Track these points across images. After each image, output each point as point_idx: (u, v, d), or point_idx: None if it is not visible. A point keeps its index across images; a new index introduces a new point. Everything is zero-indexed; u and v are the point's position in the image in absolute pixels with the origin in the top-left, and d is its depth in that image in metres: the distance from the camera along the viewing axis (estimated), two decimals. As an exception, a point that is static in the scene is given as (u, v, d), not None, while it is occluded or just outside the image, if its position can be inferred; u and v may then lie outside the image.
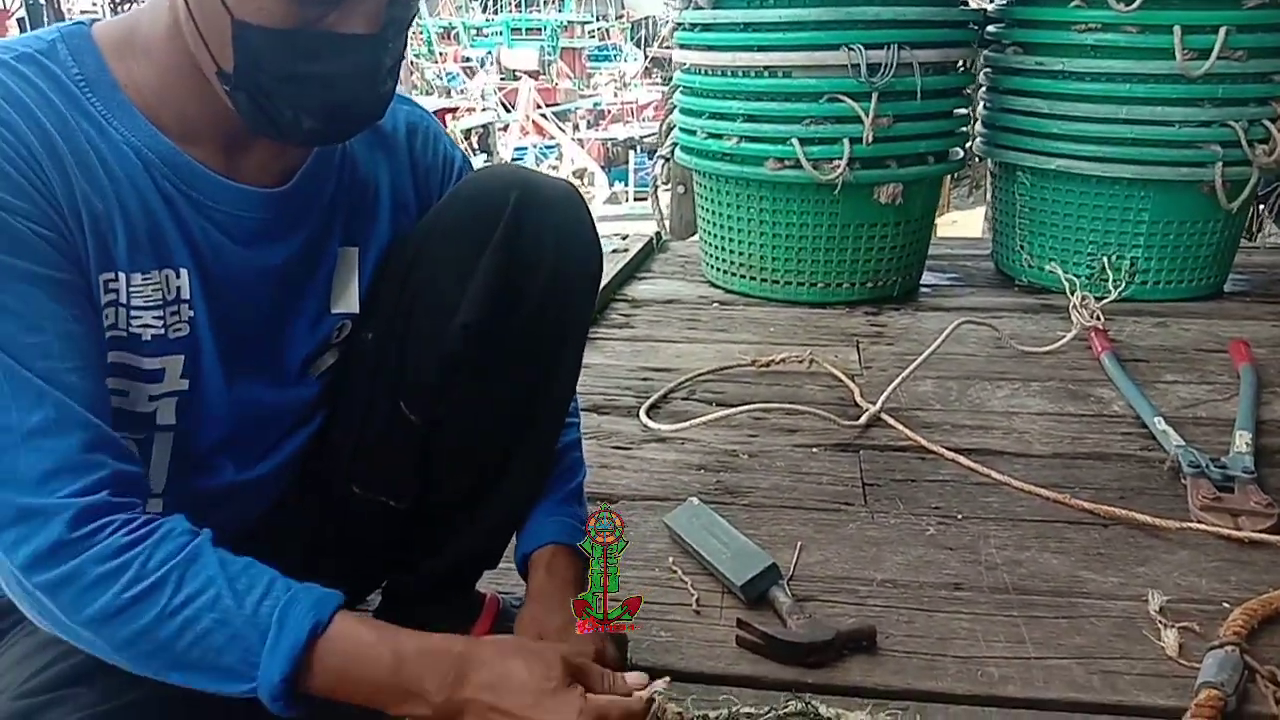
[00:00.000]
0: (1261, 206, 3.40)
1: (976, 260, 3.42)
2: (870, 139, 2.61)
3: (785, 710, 1.16)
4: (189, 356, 0.93)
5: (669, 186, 3.71)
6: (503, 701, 0.86)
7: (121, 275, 0.87)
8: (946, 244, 3.60)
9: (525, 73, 23.17)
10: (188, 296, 0.92)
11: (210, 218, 0.92)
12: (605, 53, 31.39)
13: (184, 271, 0.91)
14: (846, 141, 2.62)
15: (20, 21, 23.82)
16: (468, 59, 26.90)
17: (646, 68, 26.97)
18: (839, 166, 2.62)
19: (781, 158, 2.69)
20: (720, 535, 1.54)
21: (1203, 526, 1.63)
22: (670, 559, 1.56)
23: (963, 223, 6.41)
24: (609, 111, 23.62)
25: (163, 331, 0.91)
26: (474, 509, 1.15)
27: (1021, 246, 3.02)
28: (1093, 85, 2.72)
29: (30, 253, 0.80)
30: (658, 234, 3.61)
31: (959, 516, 1.71)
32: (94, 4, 21.17)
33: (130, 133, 0.87)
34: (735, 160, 2.80)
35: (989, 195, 3.33)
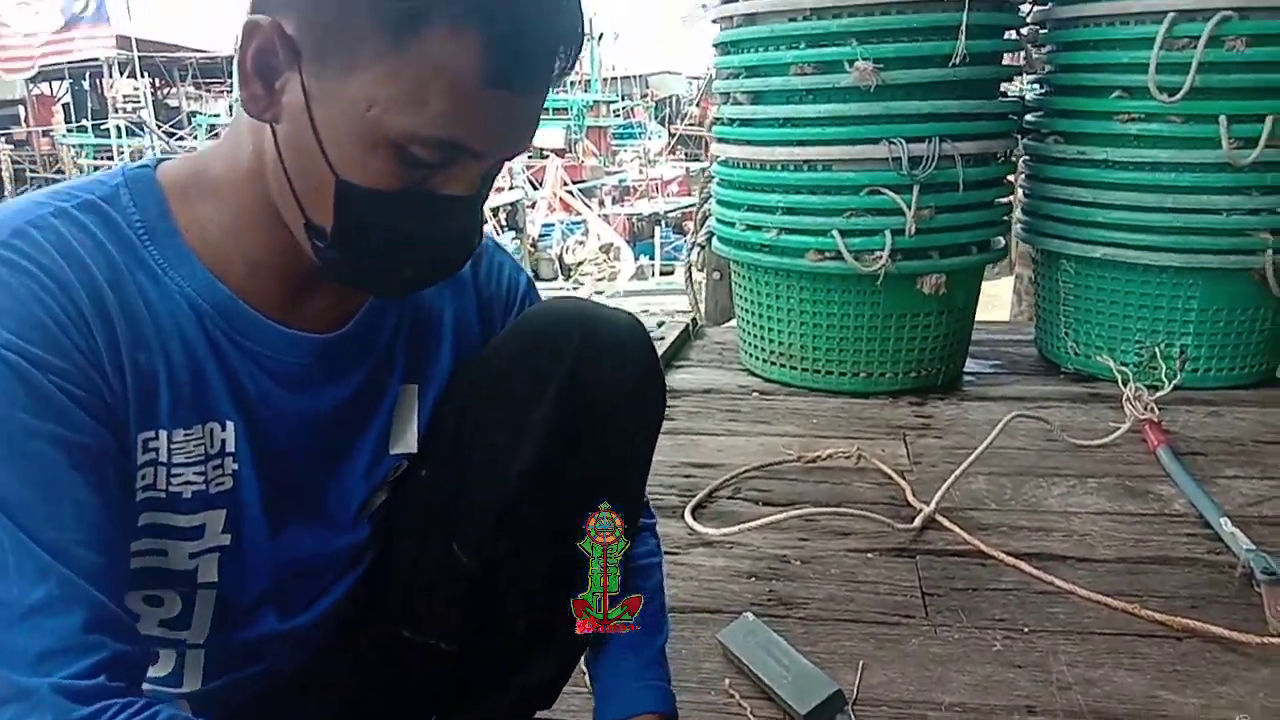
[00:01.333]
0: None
1: (1019, 346, 3.37)
2: (913, 230, 2.59)
3: None
4: (230, 511, 0.90)
5: (703, 272, 3.70)
6: None
7: (163, 433, 0.84)
8: (987, 329, 3.55)
9: (552, 151, 23.54)
10: (232, 449, 0.88)
11: (261, 365, 0.89)
12: (630, 130, 31.85)
13: (229, 424, 0.88)
14: (888, 233, 2.60)
15: (65, 107, 24.62)
16: (494, 138, 27.25)
17: (671, 145, 27.36)
18: (881, 258, 2.60)
19: (822, 249, 2.67)
20: (780, 656, 1.49)
21: (1285, 642, 1.55)
22: (726, 680, 1.50)
23: (988, 292, 6.37)
24: (634, 188, 23.91)
25: (204, 487, 0.87)
26: (531, 654, 1.11)
27: (1067, 334, 2.98)
28: (1137, 174, 2.69)
29: (57, 414, 0.76)
30: (694, 319, 3.59)
31: (1025, 630, 1.64)
32: (135, 89, 21.81)
33: (186, 281, 0.85)
34: (775, 251, 2.79)
35: (1030, 277, 3.29)
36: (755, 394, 2.93)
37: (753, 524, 1.98)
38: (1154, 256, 2.70)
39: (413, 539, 1.04)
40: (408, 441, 1.02)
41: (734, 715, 1.42)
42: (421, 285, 0.92)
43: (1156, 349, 2.75)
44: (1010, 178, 2.96)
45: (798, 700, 1.38)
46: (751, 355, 3.06)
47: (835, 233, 2.62)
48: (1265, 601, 1.66)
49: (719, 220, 3.03)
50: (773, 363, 2.96)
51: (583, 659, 1.17)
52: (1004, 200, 2.89)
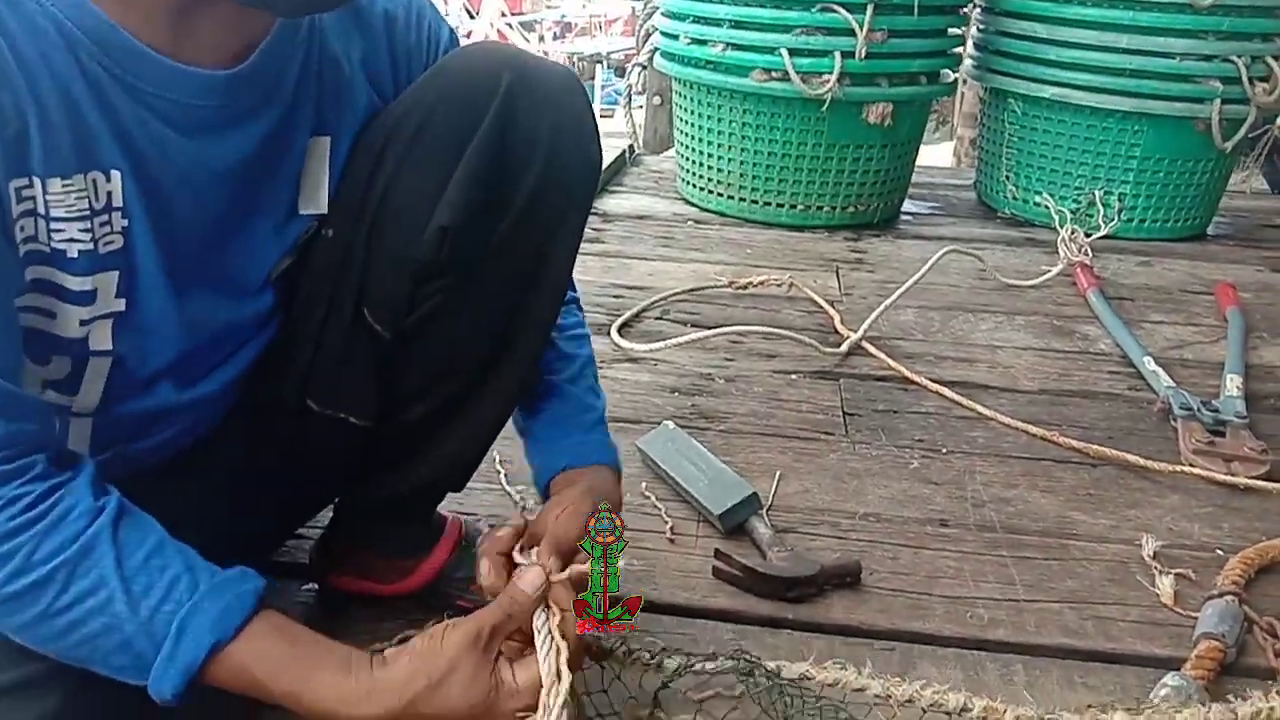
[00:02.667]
0: (1244, 157, 3.32)
1: (957, 190, 3.33)
2: (864, 53, 2.48)
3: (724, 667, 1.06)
4: (124, 273, 0.80)
5: (644, 97, 3.55)
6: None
7: (37, 181, 0.73)
8: (927, 172, 3.49)
9: (492, -20, 22.44)
10: (120, 204, 0.77)
11: (150, 107, 0.77)
12: (575, -36, 30.48)
13: (115, 174, 0.77)
14: (838, 55, 2.49)
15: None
16: (433, -37, 25.90)
17: (618, -18, 26.23)
18: (829, 81, 2.50)
19: (768, 69, 2.55)
20: (697, 461, 1.45)
21: (1195, 470, 1.57)
22: (643, 484, 1.47)
23: (927, 156, 6.31)
24: (575, 25, 23.02)
25: (91, 246, 0.77)
26: (443, 427, 1.04)
27: (1007, 177, 2.93)
28: (1094, 10, 2.61)
29: None
30: (630, 147, 3.46)
31: (943, 450, 1.63)
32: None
33: (49, 3, 0.72)
34: (719, 69, 2.66)
35: (970, 139, 3.21)
36: (690, 222, 2.84)
37: (678, 340, 1.93)
38: (1102, 99, 2.65)
39: (320, 304, 0.95)
40: (318, 201, 0.92)
41: (649, 516, 1.39)
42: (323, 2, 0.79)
43: (1096, 194, 2.72)
44: (965, 10, 2.84)
45: (712, 501, 1.36)
46: (689, 183, 2.96)
47: (783, 51, 2.50)
48: (1180, 435, 1.67)
49: (663, 33, 2.87)
50: (710, 191, 2.87)
51: (517, 428, 1.13)
52: (957, 31, 2.78)
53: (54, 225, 0.74)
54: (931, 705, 0.99)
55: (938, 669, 1.14)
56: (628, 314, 2.11)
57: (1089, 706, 0.98)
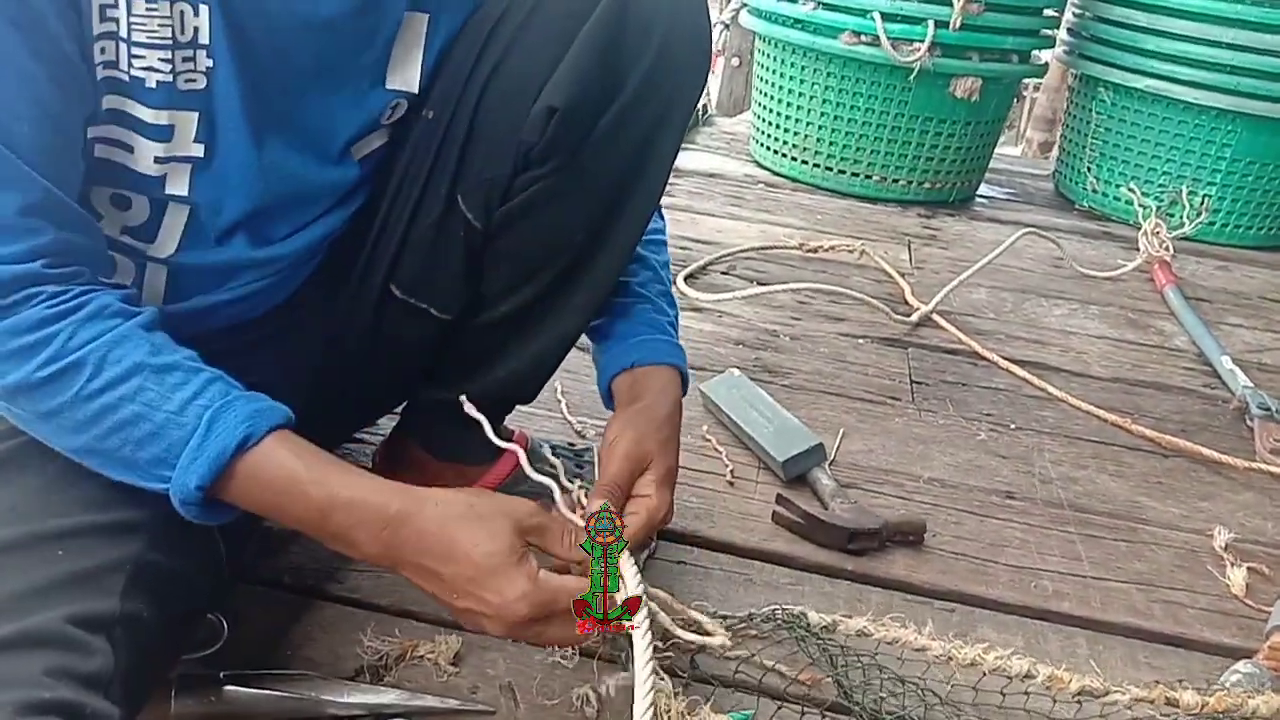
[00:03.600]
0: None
1: (1035, 180, 3.25)
2: (958, 24, 2.42)
3: (773, 619, 1.04)
4: (204, 116, 0.79)
5: (722, 58, 3.50)
6: (444, 570, 0.76)
7: (122, 1, 0.72)
8: (1004, 158, 3.42)
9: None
10: (206, 40, 0.76)
11: None
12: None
13: (204, 9, 0.75)
14: (931, 24, 2.43)
15: None
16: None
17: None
18: (919, 50, 2.44)
19: (859, 32, 2.49)
20: (762, 409, 1.43)
21: (1271, 469, 1.52)
22: (705, 427, 1.45)
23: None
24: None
25: (170, 79, 0.76)
26: (525, 330, 1.02)
27: (1089, 169, 2.86)
28: (1198, 1, 2.51)
29: None
30: (704, 106, 3.41)
31: (1012, 426, 1.59)
32: None
33: None
34: (808, 28, 2.60)
35: (1065, 112, 3.13)
36: (761, 185, 2.80)
37: (745, 293, 1.90)
38: (1198, 94, 2.56)
39: (414, 187, 0.94)
40: (408, 78, 0.90)
41: (709, 458, 1.37)
42: None
43: (1182, 191, 2.64)
44: (1066, -9, 2.76)
45: (776, 448, 1.33)
46: (763, 145, 2.92)
47: (876, 14, 2.44)
48: (1257, 434, 1.62)
49: (752, -12, 2.82)
50: (784, 154, 2.83)
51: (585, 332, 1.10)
52: (1053, 13, 2.70)
53: (134, 50, 0.74)
54: (995, 670, 0.97)
55: (998, 633, 1.12)
56: (694, 265, 2.08)
57: (1157, 683, 0.95)
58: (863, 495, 1.33)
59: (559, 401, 1.45)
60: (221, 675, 0.88)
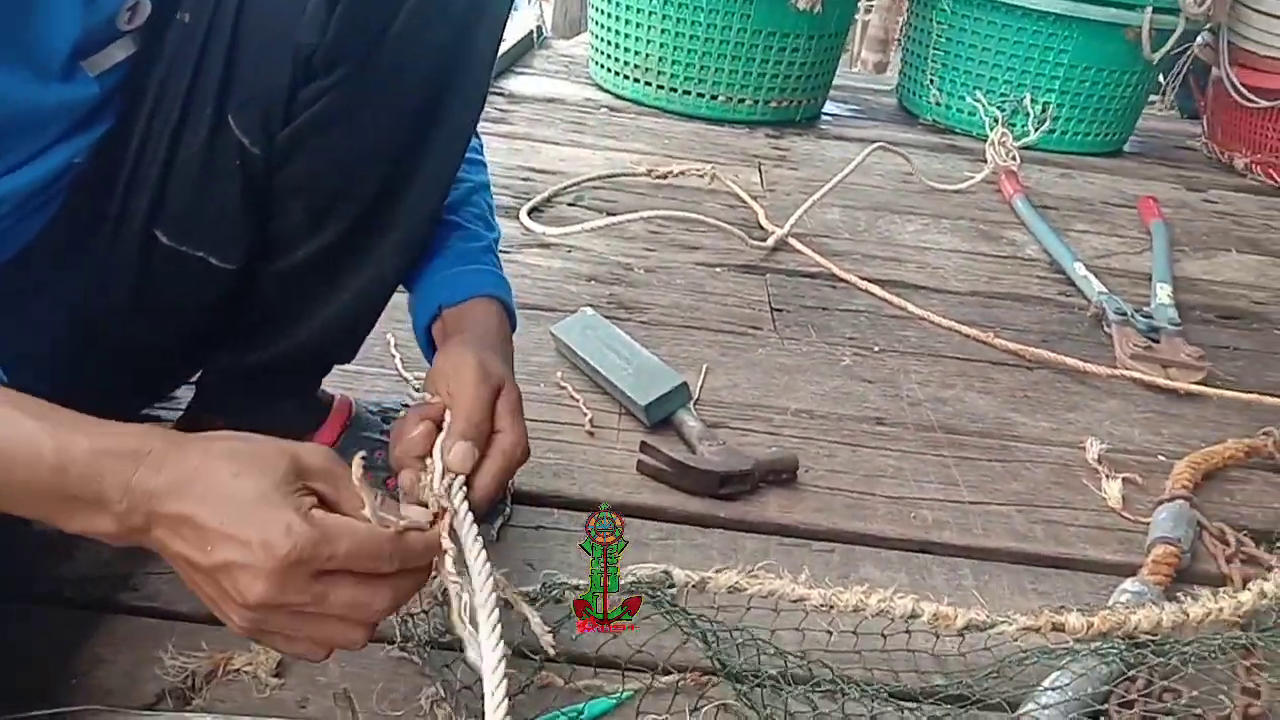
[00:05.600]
0: (1163, 77, 3.30)
1: (878, 95, 3.22)
2: (798, -70, 2.32)
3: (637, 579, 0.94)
4: None
5: (555, -22, 3.32)
6: (199, 512, 0.59)
7: None
8: (845, 74, 3.37)
9: None
10: None
11: None
12: None
13: None
14: (770, -69, 2.31)
15: None
16: None
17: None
18: (759, -40, 2.32)
19: (697, -58, 2.37)
20: (620, 350, 1.32)
21: (1134, 375, 1.51)
22: (559, 373, 1.33)
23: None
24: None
25: None
26: (330, 278, 0.87)
27: (932, 81, 2.83)
28: (1034, -96, 2.48)
29: None
30: (538, 28, 3.23)
31: (875, 349, 1.53)
32: None
33: None
34: (645, -60, 2.45)
35: (903, 27, 3.08)
36: (604, 109, 2.66)
37: (594, 224, 1.78)
38: (1037, 0, 2.54)
39: (171, 107, 0.77)
40: None
41: (565, 407, 1.26)
42: None
43: (1022, 101, 2.63)
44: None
45: (638, 392, 1.22)
46: (603, 67, 2.77)
47: (712, -77, 2.32)
48: (1116, 340, 1.61)
49: (581, -98, 2.65)
50: (626, 76, 2.69)
51: None
52: (892, -80, 2.64)
53: None
54: (878, 614, 0.89)
55: (880, 571, 1.05)
56: (538, 198, 1.94)
57: (1043, 610, 0.89)
58: (731, 435, 1.24)
59: (393, 356, 1.30)
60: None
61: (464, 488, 0.71)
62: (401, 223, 0.85)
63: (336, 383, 1.08)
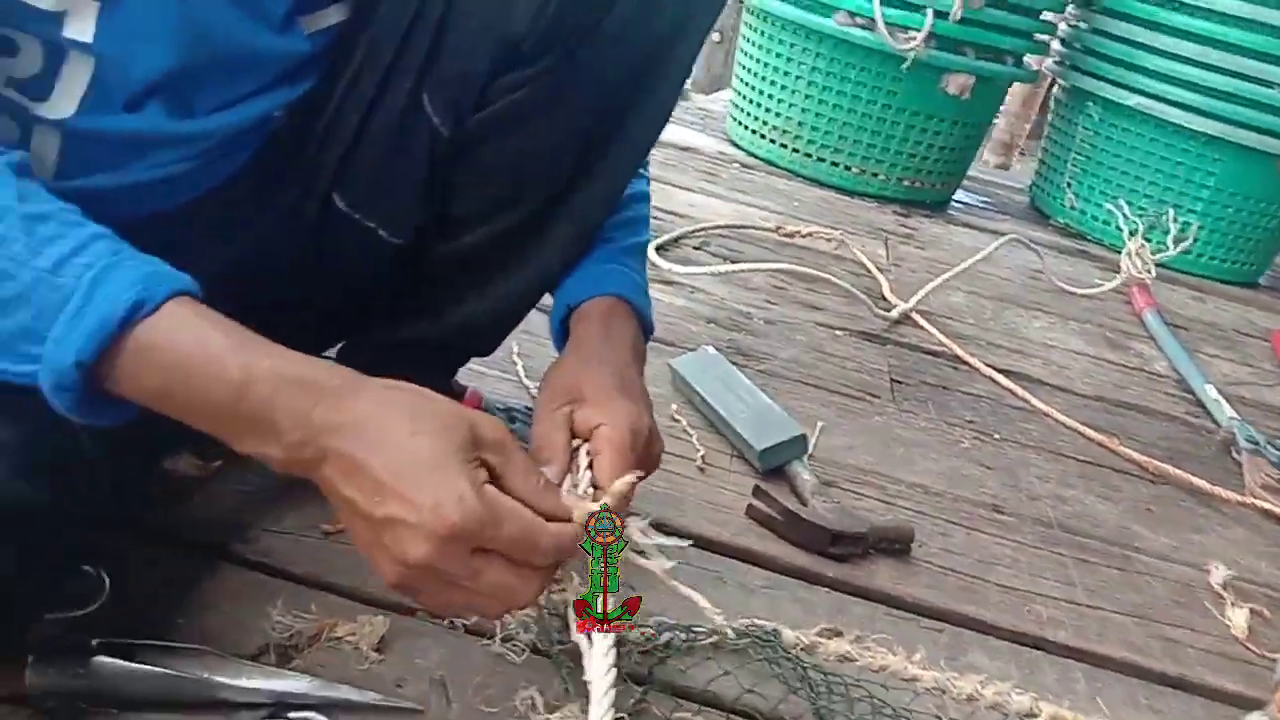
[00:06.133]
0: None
1: (1010, 191, 3.18)
2: (959, 15, 2.31)
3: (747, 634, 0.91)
4: None
5: (704, 35, 3.36)
6: (373, 461, 0.59)
7: None
8: (979, 167, 3.34)
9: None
10: None
11: None
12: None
13: None
14: (931, 12, 2.31)
15: None
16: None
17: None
18: (916, 38, 2.32)
19: (854, 12, 2.37)
20: (740, 392, 1.30)
21: (1264, 505, 1.43)
22: (673, 406, 1.32)
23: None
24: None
25: None
26: (493, 267, 0.87)
27: (1069, 184, 2.78)
28: (1200, 23, 2.44)
29: None
30: (681, 82, 3.27)
31: (996, 436, 1.49)
32: None
33: None
34: (800, 4, 2.47)
35: (1047, 128, 3.05)
36: (736, 165, 2.67)
37: (719, 269, 1.77)
38: (1189, 118, 2.49)
39: (371, 78, 0.78)
40: None
41: (679, 440, 1.24)
42: None
43: (1161, 216, 2.57)
44: (1063, -1, 2.68)
45: (754, 435, 1.20)
46: (741, 125, 2.78)
47: (875, -4, 2.33)
48: (1245, 468, 1.54)
49: (745, -40, 2.69)
50: (763, 136, 2.70)
51: None
52: (1053, 18, 2.62)
53: None
54: (992, 706, 0.85)
55: (990, 659, 1.00)
56: (665, 237, 1.94)
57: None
58: (843, 495, 1.21)
59: (515, 364, 1.31)
60: (94, 643, 0.72)
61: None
62: (571, 221, 0.85)
63: (462, 377, 1.09)
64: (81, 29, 0.64)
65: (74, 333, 0.56)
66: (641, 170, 0.97)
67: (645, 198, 0.96)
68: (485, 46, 0.76)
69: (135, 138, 0.70)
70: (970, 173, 2.98)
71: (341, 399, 0.60)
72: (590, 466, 0.72)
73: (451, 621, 0.85)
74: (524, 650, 0.83)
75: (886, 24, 2.33)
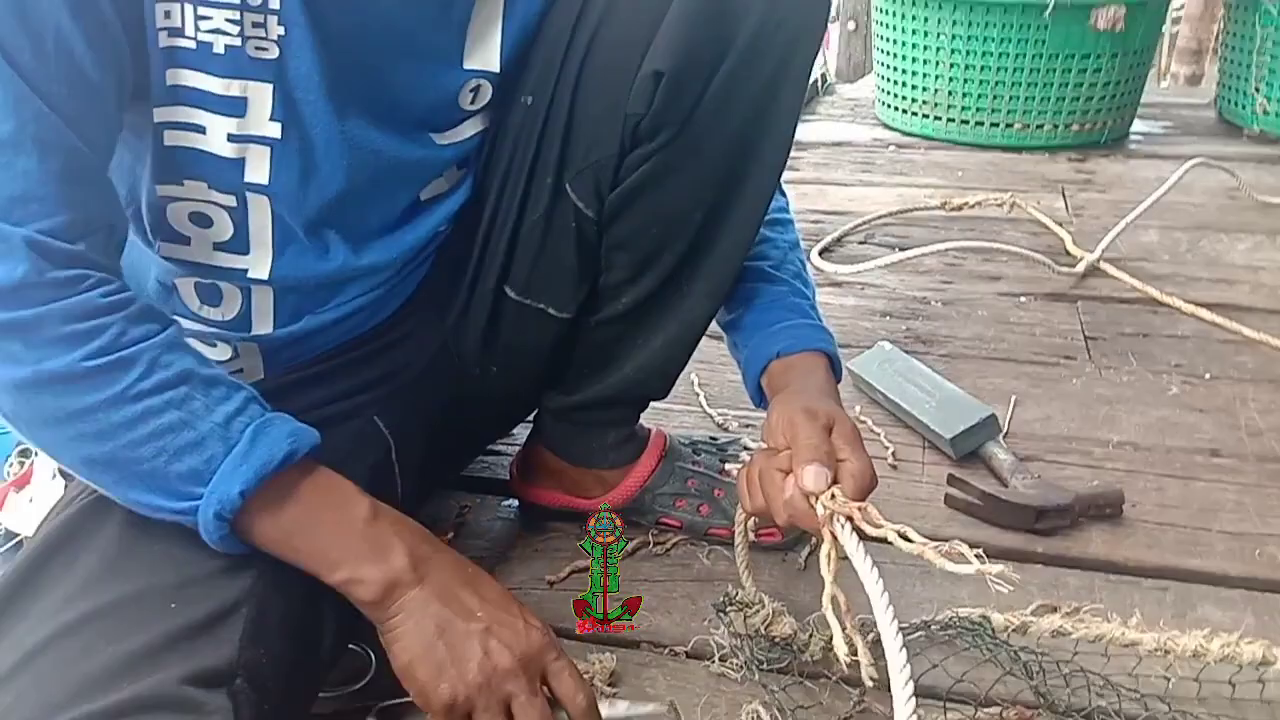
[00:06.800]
0: None
1: (1194, 110, 2.98)
2: (1094, -53, 2.22)
3: (953, 625, 0.92)
4: (279, 91, 0.72)
5: (838, 23, 3.35)
6: (471, 587, 0.76)
7: None
8: (1155, 90, 3.16)
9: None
10: (276, 5, 0.69)
11: None
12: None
13: None
14: (1065, -48, 2.23)
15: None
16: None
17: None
18: (1053, -18, 2.24)
19: (986, -29, 2.32)
20: (921, 383, 1.31)
21: None
22: (858, 408, 1.34)
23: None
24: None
25: (239, 44, 0.70)
26: (647, 324, 0.95)
27: (1257, 89, 2.59)
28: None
29: None
30: (823, 75, 3.27)
31: (1207, 376, 1.42)
32: None
33: None
34: (928, -24, 2.43)
35: (1220, 35, 2.85)
36: (892, 147, 2.65)
37: (886, 260, 1.78)
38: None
39: (519, 180, 0.87)
40: (487, 57, 0.82)
41: (868, 441, 1.23)
42: None
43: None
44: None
45: (943, 425, 1.21)
46: (890, 106, 2.76)
47: (1002, -51, 2.27)
48: None
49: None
50: (914, 113, 2.66)
51: (719, 323, 1.02)
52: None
53: (200, 10, 0.68)
54: (1221, 659, 0.84)
55: (1223, 612, 0.98)
56: (828, 239, 1.96)
57: None
58: (1045, 468, 1.20)
59: (696, 394, 1.37)
60: (376, 708, 0.83)
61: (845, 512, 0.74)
62: (711, 272, 0.91)
63: (648, 418, 1.15)
64: (258, 171, 0.75)
65: (241, 468, 0.68)
66: (785, 216, 1.02)
67: (796, 245, 1.01)
68: (610, 131, 0.83)
69: (330, 279, 0.82)
70: (1148, 98, 2.82)
71: (441, 548, 0.76)
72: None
73: (673, 649, 0.92)
74: (741, 668, 0.89)
75: (1019, -26, 2.26)
